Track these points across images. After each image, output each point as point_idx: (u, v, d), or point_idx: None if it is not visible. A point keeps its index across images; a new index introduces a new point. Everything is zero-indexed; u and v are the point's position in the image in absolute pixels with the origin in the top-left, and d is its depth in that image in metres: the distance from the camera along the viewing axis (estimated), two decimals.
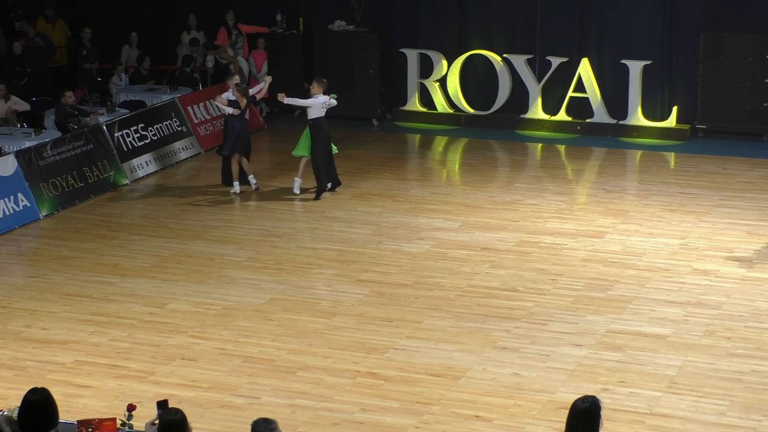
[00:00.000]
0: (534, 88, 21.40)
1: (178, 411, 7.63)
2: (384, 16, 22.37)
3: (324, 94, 17.23)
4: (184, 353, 12.02)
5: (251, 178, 17.74)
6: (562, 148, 20.59)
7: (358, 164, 19.24)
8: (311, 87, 17.42)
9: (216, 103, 17.96)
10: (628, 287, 13.73)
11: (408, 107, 22.24)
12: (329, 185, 17.53)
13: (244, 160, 17.82)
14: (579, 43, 21.21)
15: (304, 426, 10.45)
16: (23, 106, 18.99)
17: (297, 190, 17.48)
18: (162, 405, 8.22)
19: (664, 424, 10.44)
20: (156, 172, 19.00)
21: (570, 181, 18.51)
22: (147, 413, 9.74)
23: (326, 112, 17.35)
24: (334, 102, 17.30)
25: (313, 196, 17.38)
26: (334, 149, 17.66)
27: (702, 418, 10.53)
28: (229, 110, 17.57)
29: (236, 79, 18.30)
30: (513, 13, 21.63)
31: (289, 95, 17.53)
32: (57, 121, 18.73)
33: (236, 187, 17.64)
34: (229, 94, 17.74)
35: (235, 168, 17.73)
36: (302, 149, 17.54)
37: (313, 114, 17.18)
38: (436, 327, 12.63)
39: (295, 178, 17.56)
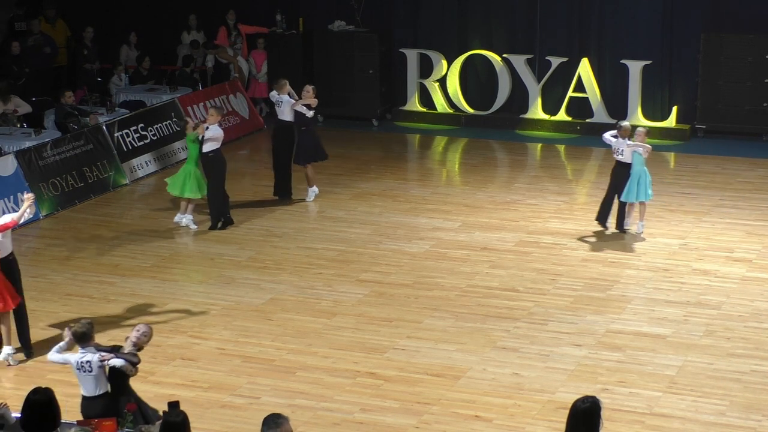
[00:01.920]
0: (534, 88, 21.40)
1: (180, 413, 7.70)
2: (384, 16, 22.37)
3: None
4: (184, 353, 12.03)
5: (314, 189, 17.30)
6: (561, 148, 20.59)
7: (358, 164, 19.24)
8: (208, 115, 15.87)
9: (298, 107, 16.71)
10: (628, 287, 13.73)
11: (408, 107, 22.24)
12: (220, 223, 15.98)
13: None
14: (579, 43, 21.22)
15: (304, 426, 10.45)
16: (25, 108, 18.97)
17: (192, 225, 15.89)
18: (173, 406, 8.25)
19: (664, 424, 10.44)
20: (156, 172, 18.99)
21: (570, 181, 18.51)
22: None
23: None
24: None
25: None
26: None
27: (702, 418, 10.53)
28: (311, 113, 16.98)
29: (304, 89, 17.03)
30: (513, 13, 21.64)
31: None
32: (57, 121, 18.73)
33: (312, 191, 17.26)
34: (289, 99, 16.87)
35: (311, 173, 17.24)
36: (185, 188, 15.68)
37: (213, 146, 15.55)
38: (436, 327, 12.63)
39: (183, 216, 15.88)
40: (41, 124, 18.94)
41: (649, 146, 15.26)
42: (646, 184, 15.20)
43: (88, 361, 9.34)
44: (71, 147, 17.54)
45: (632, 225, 15.48)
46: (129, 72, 22.06)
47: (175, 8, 23.38)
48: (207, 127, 15.59)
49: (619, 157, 15.25)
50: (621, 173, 15.25)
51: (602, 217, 15.68)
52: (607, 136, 15.37)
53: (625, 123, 15.52)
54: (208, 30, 22.95)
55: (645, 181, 15.19)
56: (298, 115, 16.94)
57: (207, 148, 15.54)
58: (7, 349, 11.80)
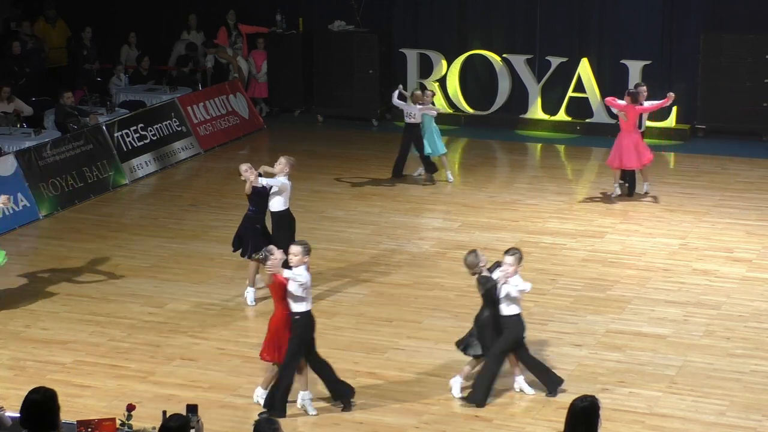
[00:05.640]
0: (533, 88, 21.40)
1: (179, 418, 7.44)
2: (384, 16, 22.37)
3: None
4: (184, 353, 12.02)
5: None
6: (561, 148, 20.59)
7: (358, 164, 19.23)
8: None
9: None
10: (628, 287, 13.72)
11: None
12: None
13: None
14: (579, 43, 21.21)
15: (304, 426, 10.45)
16: (27, 110, 18.96)
17: None
18: (191, 410, 8.20)
19: (664, 424, 10.44)
20: (156, 172, 18.99)
21: (570, 181, 18.50)
22: (147, 413, 9.76)
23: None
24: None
25: None
26: None
27: (702, 418, 10.53)
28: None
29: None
30: (513, 13, 21.64)
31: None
32: (57, 121, 18.73)
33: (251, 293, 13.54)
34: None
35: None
36: None
37: None
38: (436, 327, 12.63)
39: None
40: (41, 124, 18.94)
41: (439, 108, 18.93)
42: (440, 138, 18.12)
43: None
44: (71, 147, 17.54)
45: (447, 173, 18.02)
46: (129, 72, 22.06)
47: (175, 8, 23.38)
48: None
49: (411, 120, 17.75)
50: (412, 132, 17.80)
51: (398, 172, 18.01)
52: (398, 101, 18.02)
53: (418, 91, 18.24)
54: (208, 30, 22.95)
55: (439, 135, 18.05)
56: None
57: None
58: (305, 394, 10.74)
